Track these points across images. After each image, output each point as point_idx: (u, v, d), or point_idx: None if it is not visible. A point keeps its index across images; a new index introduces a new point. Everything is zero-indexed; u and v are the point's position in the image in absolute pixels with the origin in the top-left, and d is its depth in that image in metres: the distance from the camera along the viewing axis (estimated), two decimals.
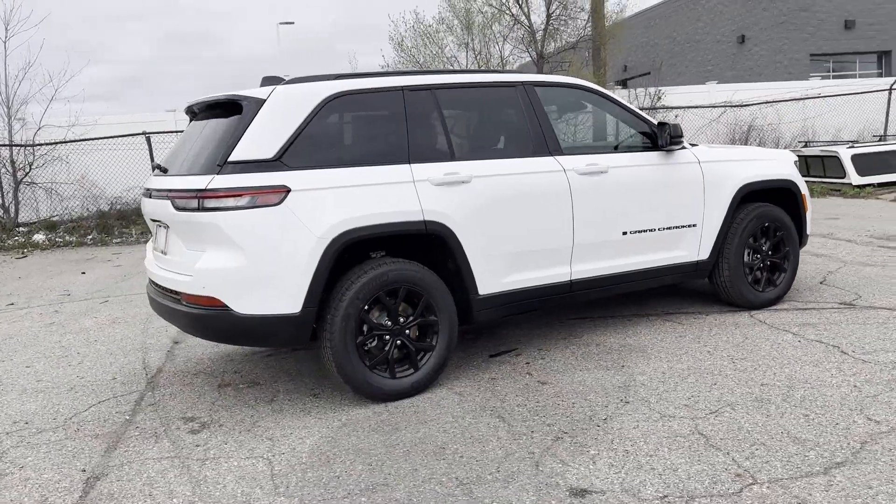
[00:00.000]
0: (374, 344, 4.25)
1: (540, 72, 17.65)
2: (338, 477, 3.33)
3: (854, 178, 14.01)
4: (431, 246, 4.46)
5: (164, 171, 4.51)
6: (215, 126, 4.36)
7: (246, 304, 3.95)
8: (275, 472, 3.42)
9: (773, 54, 24.81)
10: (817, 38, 24.56)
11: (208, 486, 3.30)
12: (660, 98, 17.36)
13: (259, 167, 3.99)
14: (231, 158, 3.99)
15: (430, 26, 18.21)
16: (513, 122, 4.96)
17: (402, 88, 4.54)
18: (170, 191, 4.16)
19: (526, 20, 18.68)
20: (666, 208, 5.37)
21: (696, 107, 17.48)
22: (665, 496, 2.98)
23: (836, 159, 14.27)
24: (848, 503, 2.85)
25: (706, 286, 6.25)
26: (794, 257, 6.05)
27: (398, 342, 4.30)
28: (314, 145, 4.19)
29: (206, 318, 4.05)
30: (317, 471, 3.41)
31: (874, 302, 5.82)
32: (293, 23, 38.02)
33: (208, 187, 3.93)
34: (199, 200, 3.95)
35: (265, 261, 3.95)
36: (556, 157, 4.91)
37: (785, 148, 15.97)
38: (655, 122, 5.46)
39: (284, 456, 3.60)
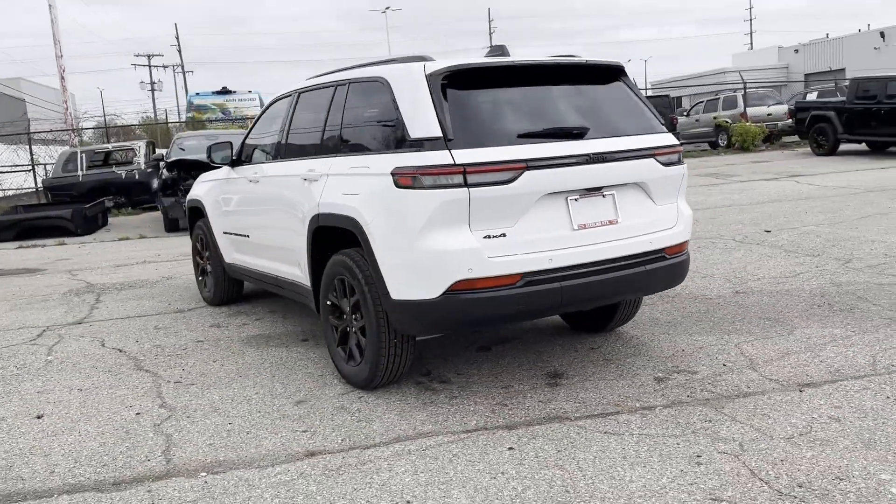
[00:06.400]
0: None
1: None
2: None
3: None
4: None
5: (579, 135, 3.94)
6: (594, 90, 4.26)
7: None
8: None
9: None
10: None
11: None
12: None
13: None
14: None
15: None
16: None
17: None
18: (657, 147, 4.14)
19: None
20: None
21: None
22: None
23: None
24: None
25: None
26: None
27: None
28: None
29: (684, 262, 4.36)
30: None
31: None
32: None
33: (682, 142, 4.34)
34: (679, 155, 4.28)
35: None
36: None
37: None
38: None
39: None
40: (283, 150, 5.11)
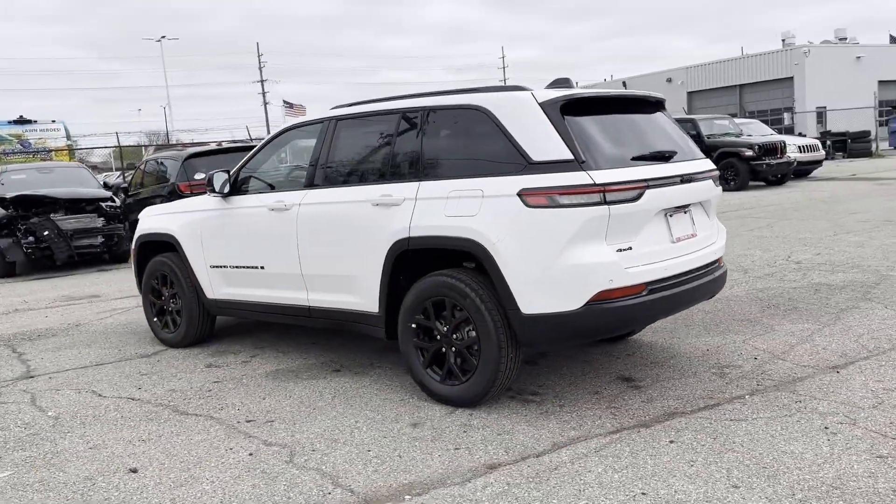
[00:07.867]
0: None
1: None
2: None
3: None
4: None
5: (669, 157, 4.43)
6: (655, 118, 4.74)
7: None
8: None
9: None
10: None
11: None
12: None
13: None
14: None
15: None
16: None
17: None
18: (711, 170, 4.76)
19: None
20: None
21: None
22: None
23: None
24: None
25: None
26: None
27: None
28: None
29: (726, 270, 5.00)
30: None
31: None
32: None
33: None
34: (717, 177, 4.91)
35: None
36: None
37: None
38: None
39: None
40: (322, 178, 5.03)
